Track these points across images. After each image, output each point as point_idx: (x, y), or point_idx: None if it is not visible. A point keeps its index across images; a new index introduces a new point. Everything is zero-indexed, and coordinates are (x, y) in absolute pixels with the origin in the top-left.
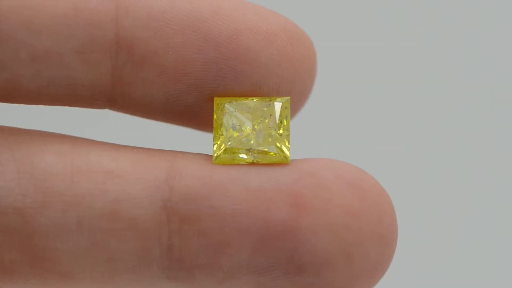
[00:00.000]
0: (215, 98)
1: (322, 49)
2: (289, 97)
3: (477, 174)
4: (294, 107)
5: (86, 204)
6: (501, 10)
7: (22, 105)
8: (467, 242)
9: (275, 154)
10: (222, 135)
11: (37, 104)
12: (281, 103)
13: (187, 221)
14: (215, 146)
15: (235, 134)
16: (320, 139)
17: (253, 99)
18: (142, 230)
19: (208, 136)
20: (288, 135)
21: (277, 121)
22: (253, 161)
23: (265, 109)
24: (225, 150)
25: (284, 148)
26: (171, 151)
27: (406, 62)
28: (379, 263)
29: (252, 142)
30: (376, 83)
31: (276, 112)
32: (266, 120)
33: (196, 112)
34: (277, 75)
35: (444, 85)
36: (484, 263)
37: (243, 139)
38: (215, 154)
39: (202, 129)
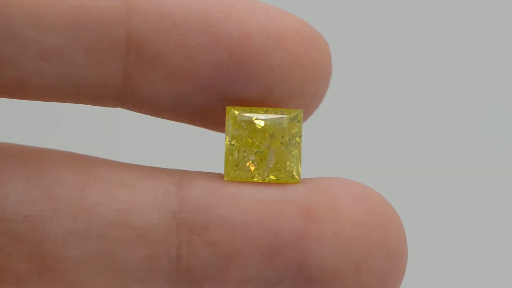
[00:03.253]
0: (227, 108)
1: (337, 50)
2: (301, 110)
3: (490, 192)
4: (306, 110)
5: (95, 213)
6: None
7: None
8: (477, 258)
9: (286, 176)
10: (234, 151)
11: (46, 101)
12: (294, 119)
13: (196, 231)
14: (226, 165)
15: (247, 151)
16: (330, 154)
17: (266, 111)
18: (151, 239)
19: (219, 149)
20: (299, 154)
21: (289, 143)
22: (264, 180)
23: (278, 127)
24: (237, 169)
25: (294, 170)
26: (180, 169)
27: (422, 66)
28: (388, 278)
29: (263, 160)
30: (389, 89)
31: (288, 133)
32: (278, 141)
33: (206, 113)
34: (289, 78)
35: (454, 91)
36: (492, 279)
37: (255, 158)
38: (226, 171)
39: (212, 128)
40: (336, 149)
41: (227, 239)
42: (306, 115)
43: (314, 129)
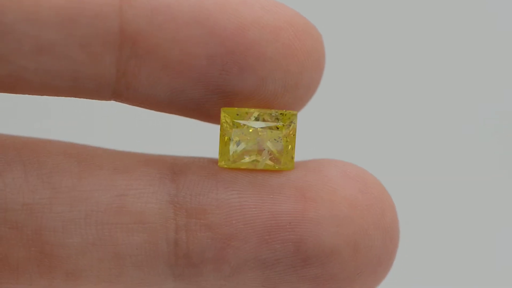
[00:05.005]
0: (222, 109)
1: (331, 42)
2: (296, 113)
3: (479, 175)
4: (300, 101)
5: (93, 199)
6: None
7: (26, 96)
8: (467, 244)
9: (280, 167)
10: (228, 145)
11: (41, 95)
12: (288, 125)
13: (193, 215)
14: (221, 153)
15: (242, 156)
16: (322, 140)
17: (260, 113)
18: (149, 224)
19: (214, 143)
20: (293, 145)
21: (284, 143)
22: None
23: (272, 132)
24: (231, 158)
25: (288, 161)
26: (175, 156)
27: (415, 61)
28: (384, 257)
29: (258, 155)
30: (382, 82)
31: (283, 135)
32: (273, 137)
33: (201, 106)
34: (283, 69)
35: (450, 86)
36: (485, 263)
37: (250, 153)
38: (221, 159)
39: (207, 120)
40: (329, 138)
41: (224, 222)
42: (300, 106)
43: (308, 117)
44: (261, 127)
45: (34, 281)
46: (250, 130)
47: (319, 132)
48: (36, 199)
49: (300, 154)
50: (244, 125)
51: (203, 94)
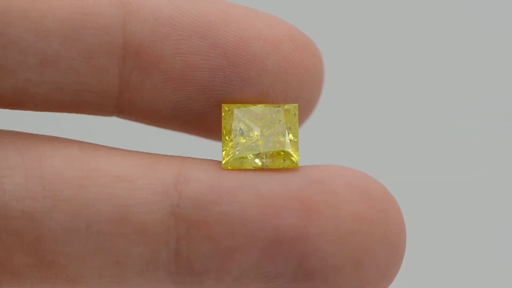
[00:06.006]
0: (223, 105)
1: (329, 57)
2: (297, 104)
3: (485, 180)
4: (301, 115)
5: (95, 209)
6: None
7: (29, 112)
8: (474, 247)
9: (284, 159)
10: (231, 140)
11: (44, 111)
12: (289, 109)
13: (195, 226)
14: (224, 151)
15: (244, 140)
16: (329, 144)
17: (261, 106)
18: (150, 234)
19: (217, 144)
20: (296, 141)
21: (286, 127)
22: (262, 166)
23: (274, 115)
24: (234, 156)
25: (292, 153)
26: (179, 156)
27: (414, 68)
28: (388, 270)
29: (261, 148)
30: (384, 90)
31: (284, 118)
32: (275, 126)
33: (203, 119)
34: (283, 82)
35: (454, 90)
36: (489, 267)
37: (252, 145)
38: (224, 160)
39: (209, 137)
40: (333, 139)
41: (226, 234)
42: (301, 120)
43: (311, 122)
44: (262, 110)
45: (35, 285)
46: (255, 118)
47: (323, 141)
48: (36, 207)
49: (303, 155)
50: (246, 109)
51: (205, 107)
